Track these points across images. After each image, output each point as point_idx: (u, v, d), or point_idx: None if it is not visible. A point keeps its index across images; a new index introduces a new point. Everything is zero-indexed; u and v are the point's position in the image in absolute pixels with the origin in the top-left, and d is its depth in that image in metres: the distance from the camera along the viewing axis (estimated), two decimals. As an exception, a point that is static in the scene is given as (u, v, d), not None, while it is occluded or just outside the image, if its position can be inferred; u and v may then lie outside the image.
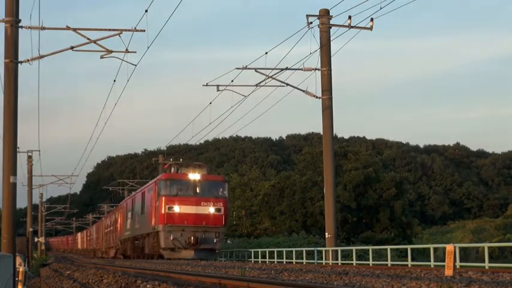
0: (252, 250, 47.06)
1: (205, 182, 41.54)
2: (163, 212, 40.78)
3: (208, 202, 40.91)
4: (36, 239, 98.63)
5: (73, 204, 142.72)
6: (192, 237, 40.32)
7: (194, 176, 41.31)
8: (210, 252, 41.41)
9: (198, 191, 41.12)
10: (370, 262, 32.58)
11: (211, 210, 40.76)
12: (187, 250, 40.56)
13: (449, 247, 14.96)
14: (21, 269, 26.58)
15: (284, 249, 42.08)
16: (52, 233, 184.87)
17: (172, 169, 43.11)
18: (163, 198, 41.08)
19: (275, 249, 43.14)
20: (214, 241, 40.89)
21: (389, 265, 28.70)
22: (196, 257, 40.00)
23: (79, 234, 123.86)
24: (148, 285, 16.68)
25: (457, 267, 15.37)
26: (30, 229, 74.37)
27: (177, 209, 40.80)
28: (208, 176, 42.57)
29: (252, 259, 44.67)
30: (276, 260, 41.19)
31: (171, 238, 40.39)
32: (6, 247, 24.88)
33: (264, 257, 43.75)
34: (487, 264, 24.48)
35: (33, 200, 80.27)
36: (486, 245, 26.31)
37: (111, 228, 68.54)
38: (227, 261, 38.52)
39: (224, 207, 41.31)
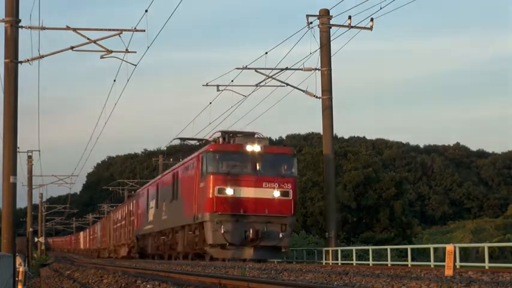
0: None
1: (268, 155, 31.91)
2: (211, 196, 31.06)
3: (272, 183, 31.43)
4: (36, 239, 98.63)
5: (73, 204, 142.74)
6: (250, 230, 30.93)
7: (253, 147, 31.60)
8: (274, 251, 32.22)
9: (258, 167, 31.50)
10: (370, 262, 32.60)
11: (276, 193, 31.38)
12: (244, 248, 31.44)
13: (449, 247, 14.97)
14: (21, 269, 26.59)
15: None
16: (52, 233, 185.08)
17: (221, 139, 33.04)
18: (211, 177, 31.32)
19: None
20: (280, 236, 31.37)
21: (389, 265, 28.73)
22: (256, 257, 31.43)
23: (81, 233, 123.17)
24: (148, 285, 16.69)
25: (457, 267, 15.39)
26: (30, 229, 74.41)
27: (230, 191, 31.08)
28: (271, 148, 33.02)
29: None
30: (276, 259, 41.14)
31: (222, 231, 30.83)
32: (6, 247, 24.90)
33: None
34: (487, 264, 24.51)
35: (33, 200, 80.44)
36: (486, 245, 26.35)
37: (123, 222, 59.84)
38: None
39: (293, 190, 31.78)
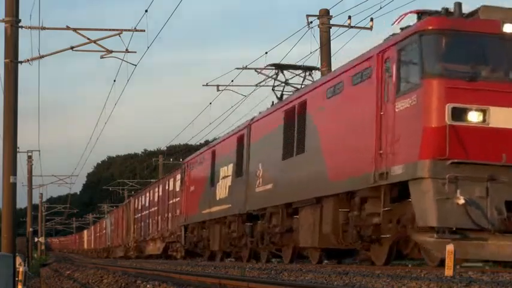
0: None
1: None
2: (435, 125, 14.31)
3: None
4: (36, 239, 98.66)
5: (73, 204, 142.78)
6: None
7: None
8: None
9: None
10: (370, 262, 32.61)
11: None
12: (506, 238, 14.65)
13: (449, 247, 14.93)
14: (21, 269, 26.58)
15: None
16: (52, 233, 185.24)
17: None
18: (435, 83, 14.46)
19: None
20: None
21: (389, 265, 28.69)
22: None
23: (85, 231, 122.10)
24: (148, 285, 16.70)
25: (457, 267, 15.36)
26: (30, 229, 74.40)
27: (476, 116, 14.34)
28: None
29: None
30: (276, 260, 41.03)
31: (459, 201, 14.24)
32: (6, 247, 24.89)
33: None
34: (487, 264, 24.48)
35: (33, 200, 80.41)
36: (486, 245, 26.31)
37: (155, 208, 45.54)
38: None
39: None
